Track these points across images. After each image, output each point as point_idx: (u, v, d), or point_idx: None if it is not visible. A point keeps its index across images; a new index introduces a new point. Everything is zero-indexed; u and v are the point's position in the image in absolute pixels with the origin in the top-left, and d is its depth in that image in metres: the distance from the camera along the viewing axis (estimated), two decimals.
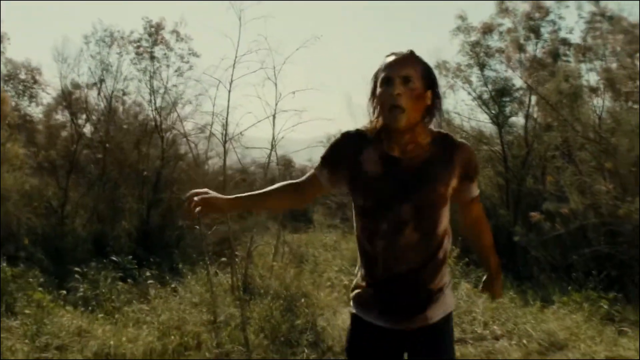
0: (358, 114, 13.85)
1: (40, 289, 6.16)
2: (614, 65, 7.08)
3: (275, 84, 6.50)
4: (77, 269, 6.83)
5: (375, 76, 2.25)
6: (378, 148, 2.24)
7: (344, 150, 2.28)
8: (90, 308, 6.03)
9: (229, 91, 6.10)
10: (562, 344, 5.21)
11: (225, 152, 6.34)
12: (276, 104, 6.50)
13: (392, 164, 2.22)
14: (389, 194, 2.20)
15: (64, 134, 10.22)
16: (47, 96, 10.49)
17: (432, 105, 2.22)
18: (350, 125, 2.34)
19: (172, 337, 5.16)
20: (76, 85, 10.03)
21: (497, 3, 9.41)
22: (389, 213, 2.20)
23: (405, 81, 2.16)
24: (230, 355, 4.96)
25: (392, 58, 2.21)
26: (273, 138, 6.62)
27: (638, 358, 4.81)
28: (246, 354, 4.97)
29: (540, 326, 5.57)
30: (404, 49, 2.26)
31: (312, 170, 2.40)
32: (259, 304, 5.76)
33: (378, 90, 2.21)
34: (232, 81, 6.16)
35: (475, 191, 2.35)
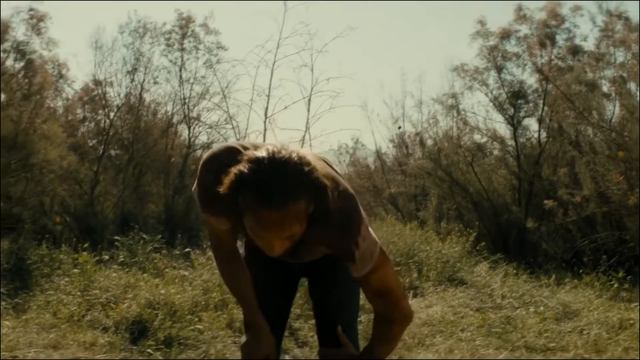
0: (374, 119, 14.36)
1: (84, 252, 6.49)
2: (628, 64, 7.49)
3: (312, 70, 6.93)
4: (116, 237, 7.22)
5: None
6: None
7: None
8: (133, 271, 6.39)
9: (272, 70, 6.56)
10: (577, 312, 5.60)
11: (265, 129, 6.78)
12: (312, 88, 6.94)
13: None
14: None
15: (96, 121, 10.57)
16: (71, 91, 10.74)
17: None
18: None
19: (215, 294, 5.56)
20: (107, 75, 10.36)
21: (515, 10, 9.82)
22: None
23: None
24: None
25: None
26: (307, 120, 7.04)
27: None
28: None
29: (555, 298, 5.98)
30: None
31: None
32: None
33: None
34: (275, 61, 6.62)
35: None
